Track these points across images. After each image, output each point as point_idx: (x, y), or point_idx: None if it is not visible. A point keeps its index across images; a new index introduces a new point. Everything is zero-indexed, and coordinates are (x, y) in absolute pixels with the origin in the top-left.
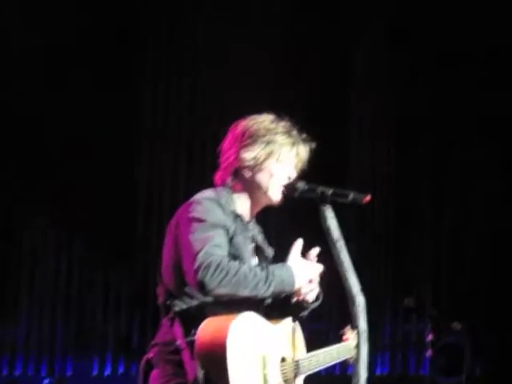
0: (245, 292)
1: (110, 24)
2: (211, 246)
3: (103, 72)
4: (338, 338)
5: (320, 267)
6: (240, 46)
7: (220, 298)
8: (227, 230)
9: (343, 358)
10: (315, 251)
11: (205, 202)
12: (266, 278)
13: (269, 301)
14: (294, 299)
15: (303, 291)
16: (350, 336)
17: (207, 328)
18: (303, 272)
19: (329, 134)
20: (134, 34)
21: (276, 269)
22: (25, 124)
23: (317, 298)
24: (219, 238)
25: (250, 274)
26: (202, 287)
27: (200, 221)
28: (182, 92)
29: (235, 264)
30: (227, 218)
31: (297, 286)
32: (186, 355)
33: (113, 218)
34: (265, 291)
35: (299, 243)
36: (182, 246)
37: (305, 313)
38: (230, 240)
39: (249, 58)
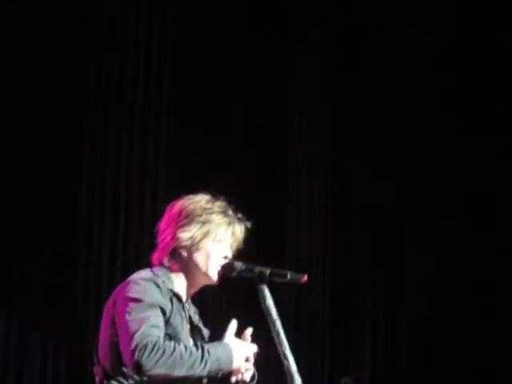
0: (181, 372)
1: None
2: (148, 326)
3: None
4: None
5: (254, 347)
6: None
7: (156, 379)
8: (164, 311)
9: None
10: (249, 331)
11: (142, 282)
12: (202, 356)
13: (205, 381)
14: (233, 379)
15: (241, 370)
16: None
17: None
18: (240, 350)
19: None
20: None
21: (212, 347)
22: None
23: (252, 378)
24: (156, 319)
25: (186, 354)
26: (138, 368)
27: (137, 301)
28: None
29: (171, 344)
30: (164, 299)
31: (235, 365)
32: None
33: (50, 298)
34: (201, 370)
35: (233, 324)
36: (119, 326)
37: None
38: (167, 320)
39: None
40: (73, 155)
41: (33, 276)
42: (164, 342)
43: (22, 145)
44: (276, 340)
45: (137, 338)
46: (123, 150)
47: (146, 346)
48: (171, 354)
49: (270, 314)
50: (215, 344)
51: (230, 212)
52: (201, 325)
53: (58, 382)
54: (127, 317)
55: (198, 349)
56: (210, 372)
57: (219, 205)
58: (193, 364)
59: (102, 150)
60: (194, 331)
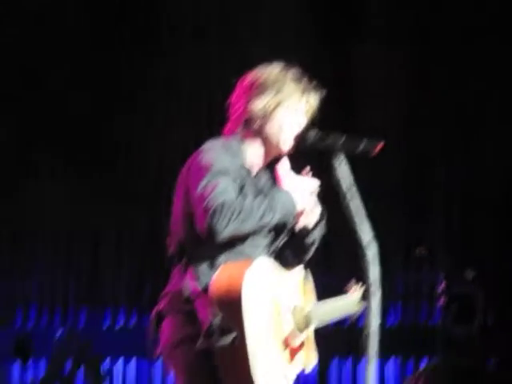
0: (254, 225)
1: None
2: (218, 191)
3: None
4: (345, 292)
5: (316, 181)
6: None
7: (231, 240)
8: (235, 178)
9: (349, 312)
10: (307, 169)
11: (214, 149)
12: (270, 204)
13: (279, 244)
14: (301, 222)
15: (307, 208)
16: (355, 290)
17: (222, 275)
18: (301, 187)
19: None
20: None
21: (275, 193)
22: None
23: (322, 216)
24: (226, 184)
25: (255, 207)
26: (210, 232)
27: (208, 168)
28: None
29: (238, 201)
30: (236, 166)
31: (299, 204)
32: (199, 303)
33: (124, 167)
34: (271, 218)
35: (285, 162)
36: (191, 194)
37: (312, 237)
38: (240, 189)
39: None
40: None
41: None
42: (232, 201)
43: None
44: (349, 208)
45: (207, 203)
46: None
47: (215, 210)
48: (240, 212)
49: (342, 183)
50: (275, 190)
51: (304, 80)
52: None
53: (132, 254)
54: (199, 184)
55: (264, 198)
56: (280, 218)
57: (293, 73)
58: (263, 214)
59: None
60: None
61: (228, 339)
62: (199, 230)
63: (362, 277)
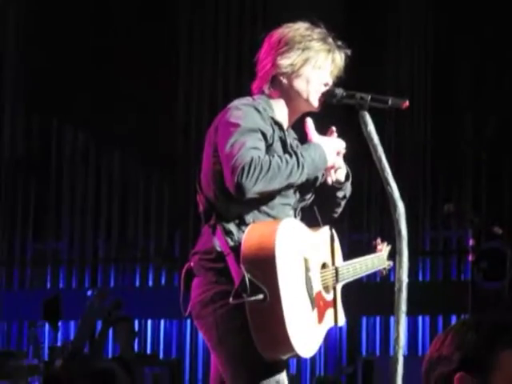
0: (282, 182)
1: None
2: (246, 148)
3: None
4: (373, 248)
5: (342, 142)
6: None
7: (260, 198)
8: (265, 135)
9: (377, 269)
10: (333, 128)
11: (242, 107)
12: (298, 162)
13: (307, 202)
14: (328, 180)
15: (335, 167)
16: (382, 247)
17: (253, 233)
18: (329, 146)
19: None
20: None
21: (304, 150)
22: None
23: (347, 176)
24: (255, 142)
25: (283, 164)
26: (239, 189)
27: (236, 125)
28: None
29: (266, 159)
30: (265, 124)
31: (329, 161)
32: (230, 260)
33: (153, 130)
34: (300, 175)
35: (310, 122)
36: (220, 151)
37: (341, 195)
38: (269, 146)
39: None
40: None
41: (135, 109)
42: (259, 159)
43: None
44: (378, 166)
45: (235, 160)
46: None
47: (244, 168)
48: (268, 169)
49: (371, 140)
50: (305, 147)
51: (330, 39)
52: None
53: (161, 214)
54: (227, 141)
55: (292, 156)
56: (308, 175)
57: (319, 32)
58: (291, 172)
59: None
60: None
61: (260, 295)
62: (228, 188)
63: (388, 236)
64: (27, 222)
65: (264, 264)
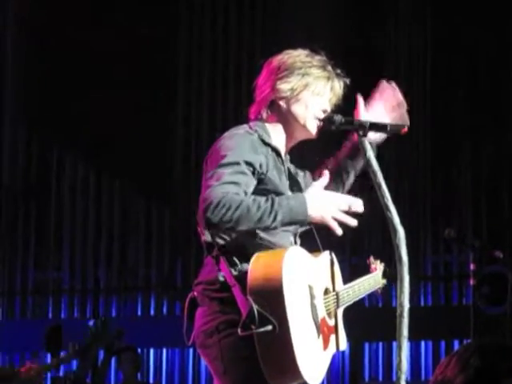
0: (250, 225)
1: None
2: (222, 182)
3: None
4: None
5: (347, 200)
6: None
7: (237, 231)
8: (253, 167)
9: (374, 289)
10: (324, 173)
11: (235, 137)
12: (271, 208)
13: (306, 227)
14: (338, 231)
15: (325, 219)
16: (376, 265)
17: (258, 263)
18: (320, 201)
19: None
20: None
21: (284, 199)
22: None
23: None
24: (234, 176)
25: (254, 207)
26: (206, 222)
27: (222, 157)
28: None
29: (237, 198)
30: (256, 155)
31: (312, 214)
32: (236, 291)
33: (153, 158)
34: (271, 222)
35: (326, 175)
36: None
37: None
38: (264, 176)
39: None
40: None
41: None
42: (231, 197)
43: None
44: (378, 192)
45: (208, 193)
46: None
47: (211, 202)
48: (237, 209)
49: (370, 166)
50: (289, 196)
51: (329, 67)
52: (299, 176)
53: (162, 244)
54: (209, 170)
55: (267, 201)
56: (283, 223)
57: (319, 59)
58: (261, 217)
59: None
60: (294, 184)
61: (269, 326)
62: (198, 218)
63: (389, 260)
64: (28, 250)
65: (271, 295)
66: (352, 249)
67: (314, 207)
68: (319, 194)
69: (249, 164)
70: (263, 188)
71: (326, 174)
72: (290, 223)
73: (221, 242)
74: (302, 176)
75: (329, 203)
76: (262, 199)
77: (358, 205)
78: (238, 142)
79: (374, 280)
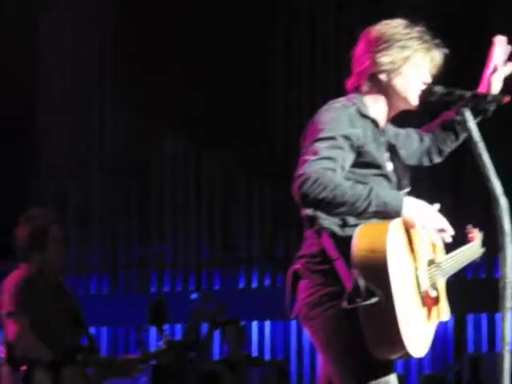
0: (342, 208)
1: None
2: (318, 157)
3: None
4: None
5: (446, 224)
6: None
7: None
8: (351, 141)
9: (472, 259)
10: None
11: (333, 110)
12: (367, 196)
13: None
14: (439, 242)
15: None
16: (474, 235)
17: (362, 236)
18: (419, 208)
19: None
20: None
21: (383, 191)
22: None
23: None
24: (332, 151)
25: (350, 191)
26: (301, 197)
27: (318, 130)
28: None
29: (335, 180)
30: (354, 128)
31: (407, 215)
32: (339, 264)
33: (254, 135)
34: (364, 208)
35: (435, 207)
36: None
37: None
38: (362, 149)
39: None
40: None
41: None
42: (330, 176)
43: None
44: (479, 162)
45: (304, 168)
46: None
47: (308, 178)
48: (332, 189)
49: (472, 137)
50: (389, 191)
51: (428, 38)
52: (401, 135)
53: (264, 216)
54: (306, 144)
55: (365, 188)
56: (375, 213)
57: (418, 30)
58: (355, 202)
59: None
60: (394, 155)
61: (374, 299)
62: (294, 191)
63: (491, 229)
64: (131, 225)
65: (376, 267)
66: (449, 220)
67: (409, 210)
68: (421, 203)
69: (346, 138)
70: (362, 161)
71: (436, 206)
72: (383, 214)
73: (323, 216)
74: (403, 135)
75: (426, 214)
76: (361, 186)
77: (448, 235)
78: (335, 116)
79: (472, 250)
